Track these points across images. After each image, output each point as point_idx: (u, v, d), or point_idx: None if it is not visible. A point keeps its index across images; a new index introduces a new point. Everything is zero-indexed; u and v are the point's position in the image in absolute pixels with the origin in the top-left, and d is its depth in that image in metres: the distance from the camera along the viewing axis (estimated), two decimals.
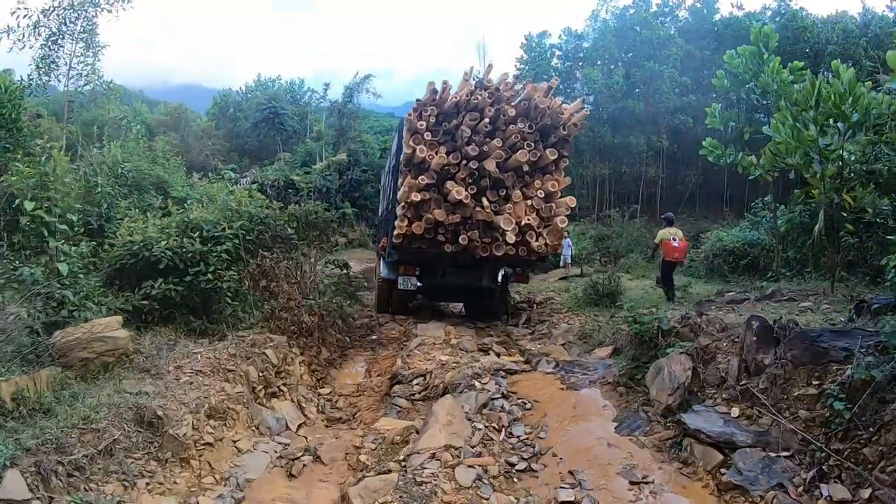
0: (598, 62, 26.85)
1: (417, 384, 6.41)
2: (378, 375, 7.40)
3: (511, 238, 8.92)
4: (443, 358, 6.98)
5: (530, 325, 10.21)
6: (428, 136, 8.93)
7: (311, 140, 30.43)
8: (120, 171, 8.21)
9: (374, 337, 9.27)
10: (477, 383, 5.91)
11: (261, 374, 5.79)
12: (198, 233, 6.62)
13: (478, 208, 8.91)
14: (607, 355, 6.80)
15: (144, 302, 5.88)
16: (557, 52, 30.29)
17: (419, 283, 9.90)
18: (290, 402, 6.00)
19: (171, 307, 6.05)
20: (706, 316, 6.00)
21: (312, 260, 7.66)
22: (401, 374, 6.69)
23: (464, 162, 8.99)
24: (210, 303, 6.30)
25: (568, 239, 16.33)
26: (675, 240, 10.37)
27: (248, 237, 6.86)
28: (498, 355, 7.49)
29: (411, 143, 8.91)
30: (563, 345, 8.01)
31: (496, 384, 5.99)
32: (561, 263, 17.02)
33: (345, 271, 8.98)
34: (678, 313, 6.48)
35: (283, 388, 6.08)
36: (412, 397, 6.20)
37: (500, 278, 10.66)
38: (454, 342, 8.01)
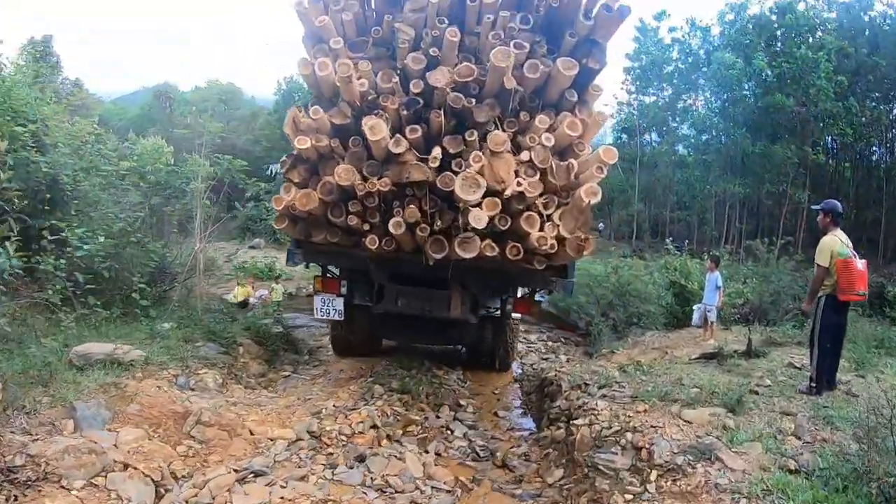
0: (729, 48, 21.03)
1: None
2: None
3: (480, 219, 4.53)
4: None
5: None
6: (337, 44, 5.11)
7: None
8: None
9: None
10: None
11: None
12: None
13: (416, 162, 4.75)
14: None
15: None
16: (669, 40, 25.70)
17: (344, 310, 5.90)
18: None
19: None
20: None
21: None
22: None
23: (400, 83, 5.00)
24: None
25: (716, 273, 7.87)
26: (855, 255, 4.89)
27: None
28: None
29: (312, 56, 5.15)
30: None
31: None
32: (696, 319, 8.05)
33: None
34: None
35: None
36: None
37: (497, 307, 6.25)
38: None
